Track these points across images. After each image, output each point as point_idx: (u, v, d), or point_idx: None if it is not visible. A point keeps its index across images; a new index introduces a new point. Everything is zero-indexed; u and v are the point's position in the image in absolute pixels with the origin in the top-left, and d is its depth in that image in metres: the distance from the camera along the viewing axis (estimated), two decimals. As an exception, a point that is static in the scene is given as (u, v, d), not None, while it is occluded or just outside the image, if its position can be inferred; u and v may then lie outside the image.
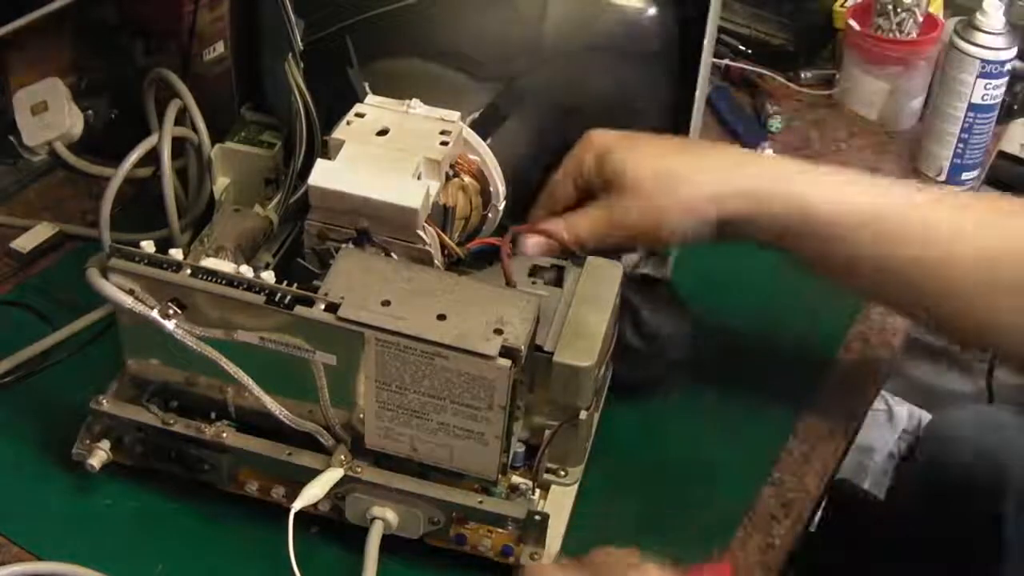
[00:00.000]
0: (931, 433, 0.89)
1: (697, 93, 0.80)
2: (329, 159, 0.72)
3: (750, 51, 1.25)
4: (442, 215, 0.74)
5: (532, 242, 0.76)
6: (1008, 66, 1.11)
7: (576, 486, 0.75)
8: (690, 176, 0.73)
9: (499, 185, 0.78)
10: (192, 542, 0.72)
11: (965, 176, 1.11)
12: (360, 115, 0.75)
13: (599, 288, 0.74)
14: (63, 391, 0.80)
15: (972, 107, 1.11)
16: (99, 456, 0.72)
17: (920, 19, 1.14)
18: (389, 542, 0.69)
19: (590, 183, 0.76)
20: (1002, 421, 0.88)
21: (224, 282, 0.66)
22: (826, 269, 0.75)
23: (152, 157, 0.85)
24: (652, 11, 0.79)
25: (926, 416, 1.42)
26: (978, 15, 1.10)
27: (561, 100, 0.80)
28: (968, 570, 0.83)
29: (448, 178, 0.74)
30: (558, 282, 0.75)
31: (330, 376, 0.67)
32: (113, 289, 0.67)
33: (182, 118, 0.87)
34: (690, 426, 0.82)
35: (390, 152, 0.72)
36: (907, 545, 0.87)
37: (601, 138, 0.76)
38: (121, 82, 1.04)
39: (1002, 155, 1.20)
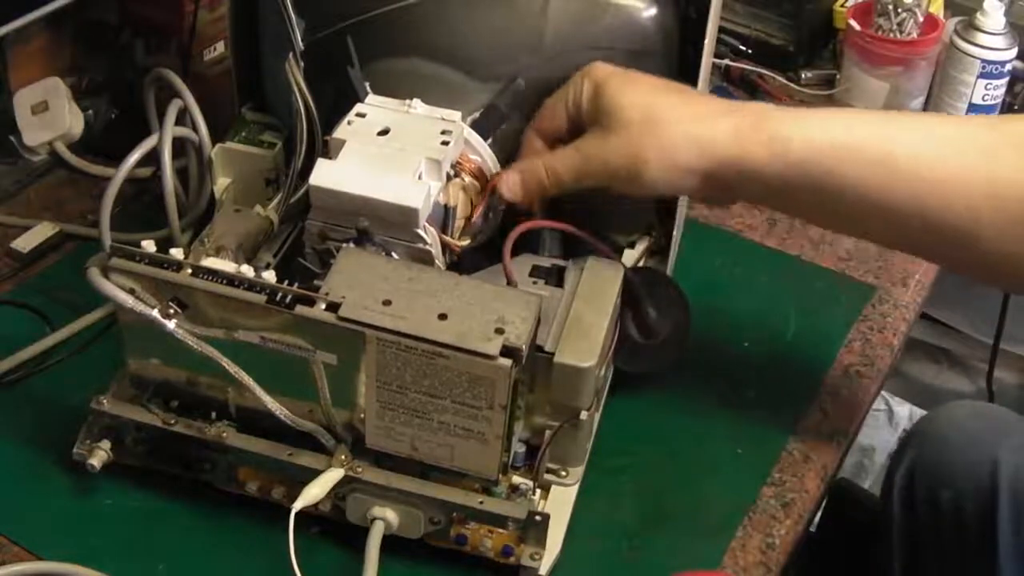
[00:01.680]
0: (921, 428, 0.88)
1: (697, 93, 0.80)
2: (330, 159, 0.72)
3: (750, 51, 1.25)
4: (443, 215, 0.74)
5: (510, 183, 0.75)
6: (1008, 66, 1.11)
7: (577, 486, 0.75)
8: (675, 119, 0.71)
9: (500, 185, 0.78)
10: (192, 542, 0.72)
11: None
12: (361, 115, 0.75)
13: (600, 288, 0.74)
14: (63, 391, 0.80)
15: (973, 107, 1.11)
16: (99, 456, 0.72)
17: (920, 19, 1.14)
18: (389, 542, 0.69)
19: (580, 113, 0.74)
20: (995, 415, 0.87)
21: (225, 281, 0.66)
22: (820, 214, 0.73)
23: (152, 157, 0.85)
24: (652, 11, 0.79)
25: (928, 417, 1.42)
26: (978, 15, 1.10)
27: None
28: (963, 566, 0.83)
29: (449, 178, 0.74)
30: (559, 282, 0.75)
31: (331, 376, 0.67)
32: (114, 289, 0.67)
33: (182, 118, 0.87)
34: (690, 426, 0.82)
35: (391, 152, 0.72)
36: (901, 542, 0.87)
37: (603, 69, 0.74)
38: (121, 82, 1.04)
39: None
